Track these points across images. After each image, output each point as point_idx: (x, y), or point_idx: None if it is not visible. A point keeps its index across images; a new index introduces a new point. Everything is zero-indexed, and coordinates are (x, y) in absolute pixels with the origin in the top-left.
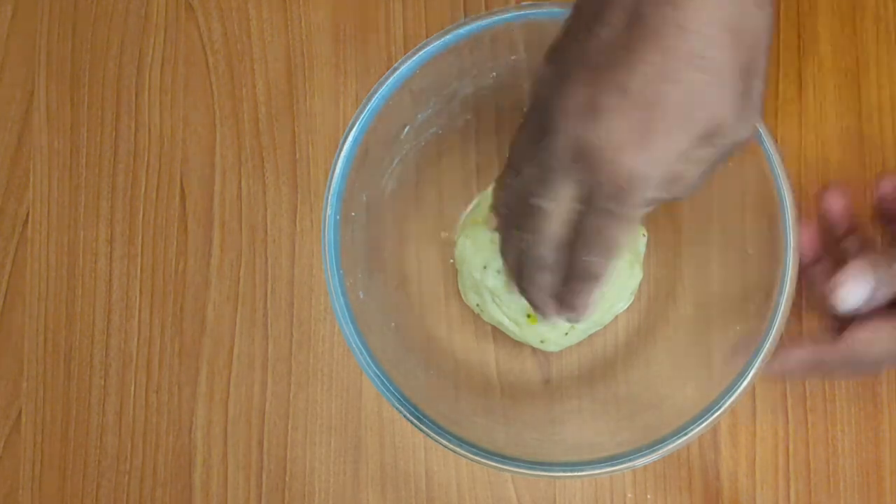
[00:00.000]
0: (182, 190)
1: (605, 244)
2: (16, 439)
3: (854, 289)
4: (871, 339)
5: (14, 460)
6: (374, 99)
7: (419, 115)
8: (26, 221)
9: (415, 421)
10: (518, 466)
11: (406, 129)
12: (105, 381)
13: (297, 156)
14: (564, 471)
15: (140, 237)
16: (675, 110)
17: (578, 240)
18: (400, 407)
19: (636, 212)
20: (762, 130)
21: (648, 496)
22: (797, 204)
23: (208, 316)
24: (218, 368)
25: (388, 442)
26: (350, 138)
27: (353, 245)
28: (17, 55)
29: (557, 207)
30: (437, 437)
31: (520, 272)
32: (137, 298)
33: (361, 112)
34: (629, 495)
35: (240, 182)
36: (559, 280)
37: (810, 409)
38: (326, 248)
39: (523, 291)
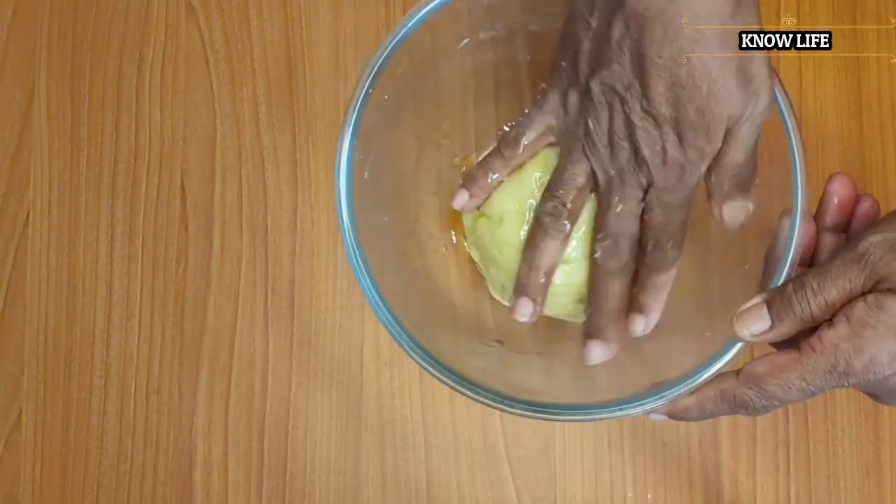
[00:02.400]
0: (182, 190)
1: (676, 230)
2: (16, 439)
3: (749, 323)
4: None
5: (14, 460)
6: None
7: (480, 33)
8: (26, 221)
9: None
10: (513, 406)
11: (464, 41)
12: (105, 381)
13: (297, 156)
14: (559, 414)
15: (140, 237)
16: (691, 125)
17: (649, 235)
18: (362, 281)
19: (690, 196)
20: (789, 115)
21: (649, 496)
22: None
23: (208, 316)
24: (218, 368)
25: (389, 442)
26: (414, 20)
27: (374, 128)
28: (18, 55)
29: (632, 208)
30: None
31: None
32: (138, 298)
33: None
34: (630, 495)
35: (240, 182)
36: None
37: (810, 409)
38: (349, 114)
39: (595, 310)
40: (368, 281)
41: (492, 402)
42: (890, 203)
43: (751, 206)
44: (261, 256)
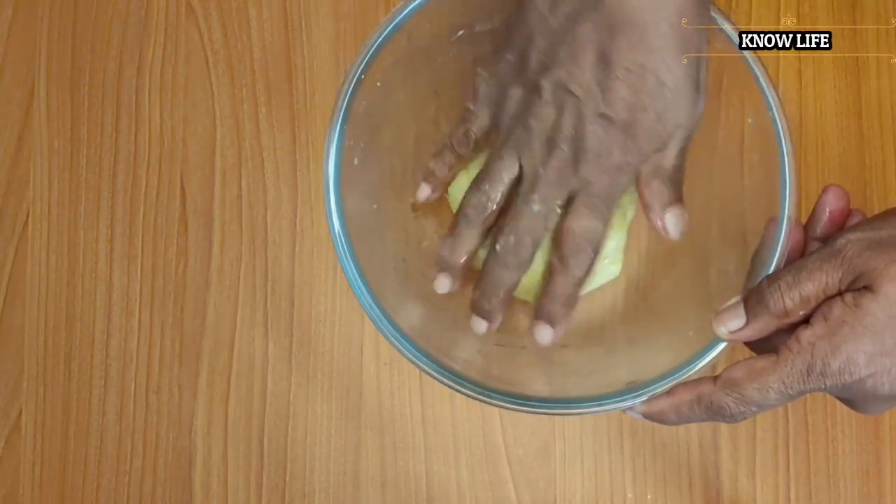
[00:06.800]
0: (182, 190)
1: (592, 239)
2: (16, 439)
3: (726, 320)
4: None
5: (14, 460)
6: None
7: (477, 26)
8: (26, 221)
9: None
10: (512, 403)
11: (460, 32)
12: (105, 381)
13: (297, 156)
14: (559, 408)
15: (140, 237)
16: (646, 130)
17: (565, 241)
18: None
19: (615, 204)
20: (781, 121)
21: (648, 496)
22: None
23: (208, 316)
24: (218, 369)
25: (389, 442)
26: (408, 9)
27: (366, 115)
28: (17, 55)
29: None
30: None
31: (485, 272)
32: (137, 298)
33: None
34: (629, 495)
35: (240, 182)
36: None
37: (810, 410)
38: (339, 99)
39: (480, 292)
40: (352, 266)
41: (472, 393)
42: (890, 202)
43: (686, 215)
44: (260, 257)
